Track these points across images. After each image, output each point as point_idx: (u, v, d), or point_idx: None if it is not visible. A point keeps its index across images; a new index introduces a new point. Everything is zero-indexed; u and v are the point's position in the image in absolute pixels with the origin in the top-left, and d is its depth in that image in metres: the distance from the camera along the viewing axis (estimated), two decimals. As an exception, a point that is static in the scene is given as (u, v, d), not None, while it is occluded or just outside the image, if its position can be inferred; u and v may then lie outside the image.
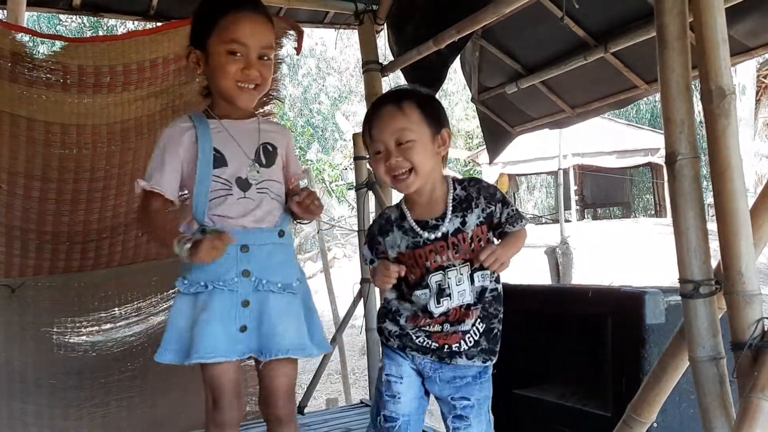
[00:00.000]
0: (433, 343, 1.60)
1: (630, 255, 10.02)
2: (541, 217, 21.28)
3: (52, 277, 2.72)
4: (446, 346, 1.59)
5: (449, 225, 1.57)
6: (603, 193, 20.08)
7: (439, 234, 1.57)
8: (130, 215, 2.73)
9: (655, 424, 1.63)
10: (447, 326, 1.58)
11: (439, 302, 1.58)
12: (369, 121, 1.59)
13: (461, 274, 1.57)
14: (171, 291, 2.92)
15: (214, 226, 1.59)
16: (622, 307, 2.14)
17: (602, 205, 21.22)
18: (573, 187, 16.77)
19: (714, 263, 1.39)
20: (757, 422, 1.22)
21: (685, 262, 1.39)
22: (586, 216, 19.96)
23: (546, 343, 2.55)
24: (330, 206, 14.25)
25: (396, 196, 2.35)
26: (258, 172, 1.66)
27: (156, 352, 1.61)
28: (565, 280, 7.40)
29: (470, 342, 1.59)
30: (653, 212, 18.77)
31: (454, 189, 1.60)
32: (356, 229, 3.25)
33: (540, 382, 2.53)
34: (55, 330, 2.76)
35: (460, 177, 1.66)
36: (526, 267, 9.19)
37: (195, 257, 1.49)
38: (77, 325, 2.81)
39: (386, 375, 1.65)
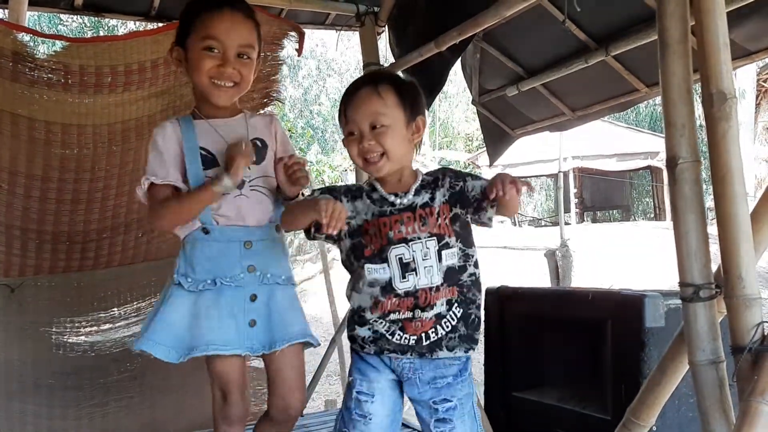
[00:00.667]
0: (411, 337, 1.50)
1: (629, 258, 10.01)
2: (540, 219, 21.31)
3: (52, 276, 2.72)
4: (424, 336, 1.50)
5: (418, 198, 1.55)
6: (603, 196, 20.09)
7: (408, 204, 1.55)
8: (131, 215, 2.72)
9: (654, 428, 1.63)
10: (418, 312, 1.49)
11: (404, 277, 1.49)
12: (345, 102, 1.57)
13: (427, 248, 1.51)
14: (170, 291, 2.92)
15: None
16: (621, 310, 2.14)
17: (602, 208, 21.23)
18: (573, 190, 16.77)
19: (714, 267, 1.39)
20: (756, 426, 1.22)
21: (685, 266, 1.39)
22: (585, 219, 19.97)
23: (546, 345, 2.56)
24: (330, 208, 14.22)
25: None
26: (249, 168, 1.65)
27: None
28: (564, 283, 7.39)
29: (447, 327, 1.50)
30: (653, 215, 18.78)
31: (422, 176, 1.60)
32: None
33: (539, 384, 2.53)
34: (54, 330, 2.75)
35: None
36: (525, 270, 9.21)
37: (236, 171, 1.56)
38: (76, 325, 2.80)
39: (356, 393, 1.56)
